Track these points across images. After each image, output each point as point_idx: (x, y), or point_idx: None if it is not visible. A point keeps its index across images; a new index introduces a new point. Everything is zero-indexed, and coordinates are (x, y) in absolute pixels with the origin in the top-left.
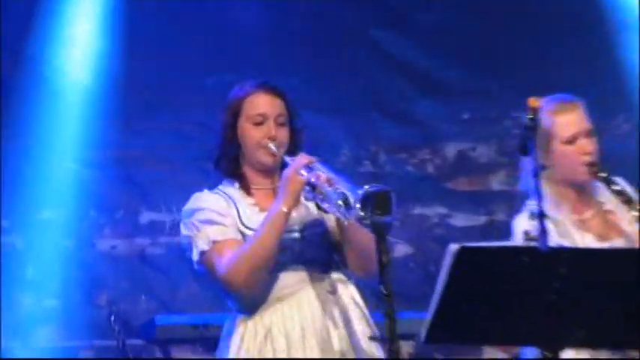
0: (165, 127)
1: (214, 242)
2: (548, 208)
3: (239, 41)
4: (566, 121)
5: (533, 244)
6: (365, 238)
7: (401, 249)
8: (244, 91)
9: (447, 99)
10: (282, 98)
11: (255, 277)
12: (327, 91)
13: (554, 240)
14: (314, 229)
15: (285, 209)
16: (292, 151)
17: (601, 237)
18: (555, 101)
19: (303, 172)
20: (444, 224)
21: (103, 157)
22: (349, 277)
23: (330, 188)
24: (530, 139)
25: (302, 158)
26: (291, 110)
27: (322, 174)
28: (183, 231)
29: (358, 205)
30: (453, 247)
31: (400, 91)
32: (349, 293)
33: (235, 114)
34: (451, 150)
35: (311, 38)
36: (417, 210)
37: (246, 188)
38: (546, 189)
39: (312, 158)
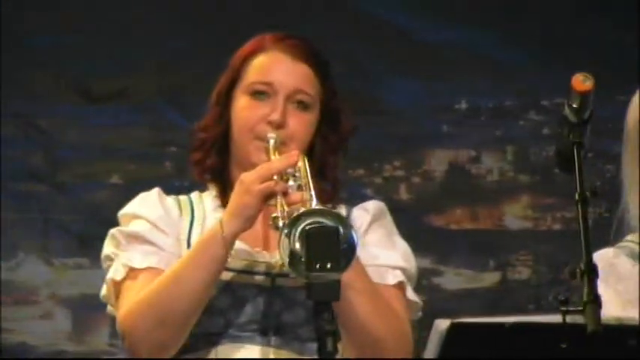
0: None
1: (131, 270)
2: None
3: None
4: None
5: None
6: (361, 308)
7: None
8: (253, 45)
9: (431, 77)
10: (312, 65)
11: (161, 337)
12: None
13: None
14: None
15: (225, 233)
16: (320, 157)
17: None
18: None
19: (275, 179)
20: (426, 286)
21: None
22: None
23: (294, 214)
24: (575, 144)
25: (283, 159)
26: (330, 87)
27: (293, 191)
28: (106, 246)
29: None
30: (441, 323)
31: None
32: None
33: (232, 80)
34: (439, 162)
35: None
36: None
37: (223, 197)
38: None
39: (300, 162)
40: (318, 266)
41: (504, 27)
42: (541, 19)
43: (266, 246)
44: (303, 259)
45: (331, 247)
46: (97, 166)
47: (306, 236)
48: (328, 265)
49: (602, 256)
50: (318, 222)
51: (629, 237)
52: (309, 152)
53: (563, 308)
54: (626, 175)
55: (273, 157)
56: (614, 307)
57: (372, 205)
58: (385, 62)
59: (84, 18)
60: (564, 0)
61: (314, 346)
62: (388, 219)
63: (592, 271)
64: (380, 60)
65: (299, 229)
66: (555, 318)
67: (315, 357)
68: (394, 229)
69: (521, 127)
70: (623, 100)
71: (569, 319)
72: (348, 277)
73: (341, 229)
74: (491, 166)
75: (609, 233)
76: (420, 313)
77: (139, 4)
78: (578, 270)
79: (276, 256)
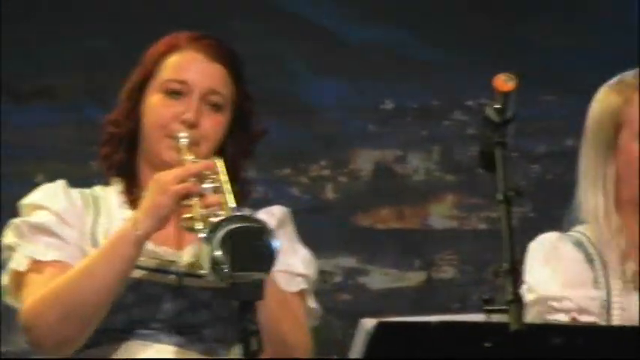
0: None
1: (35, 262)
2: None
3: None
4: None
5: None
6: (271, 313)
7: None
8: (168, 43)
9: (357, 77)
10: (227, 66)
11: (67, 332)
12: None
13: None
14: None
15: (138, 232)
16: (231, 159)
17: None
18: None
19: (190, 181)
20: (352, 285)
21: None
22: None
23: (211, 218)
24: (498, 143)
25: (201, 161)
26: (243, 89)
27: (210, 193)
28: (7, 235)
29: (213, 253)
30: (367, 323)
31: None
32: None
33: (145, 76)
34: (365, 162)
35: None
36: None
37: (129, 194)
38: (599, 218)
39: (217, 165)
40: (242, 266)
41: (429, 27)
42: (466, 19)
43: (176, 245)
44: (225, 263)
45: (255, 248)
46: (23, 165)
47: (231, 237)
48: (252, 265)
49: (546, 239)
50: (241, 226)
51: (577, 228)
52: (219, 153)
53: (488, 307)
54: (581, 169)
55: (185, 156)
56: (553, 286)
57: (278, 211)
58: (311, 62)
59: (10, 17)
60: (489, 1)
61: (219, 346)
62: (292, 225)
63: (516, 271)
64: (306, 60)
65: (221, 233)
66: (480, 317)
67: (220, 358)
68: (296, 236)
69: (446, 127)
70: (547, 100)
71: (493, 318)
72: None
73: (263, 232)
74: (417, 166)
75: (534, 233)
76: (317, 321)
77: (65, 3)
78: (502, 269)
79: (185, 256)
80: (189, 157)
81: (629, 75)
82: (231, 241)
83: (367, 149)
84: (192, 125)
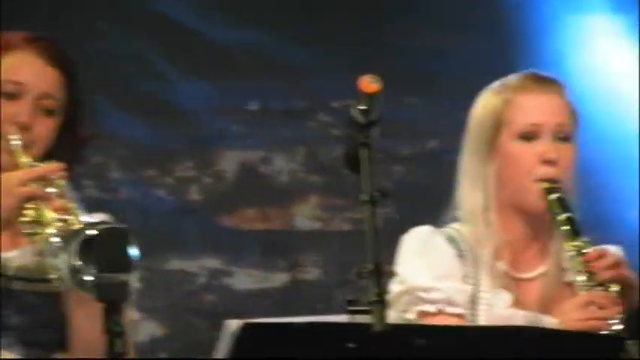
0: None
1: None
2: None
3: None
4: (530, 104)
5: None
6: (94, 321)
7: (145, 328)
8: (3, 43)
9: (222, 78)
10: (62, 70)
11: None
12: None
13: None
14: (49, 284)
15: None
16: (65, 160)
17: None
18: (522, 74)
19: (34, 185)
20: (217, 286)
21: None
22: None
23: (57, 222)
24: (363, 144)
25: (43, 166)
26: (75, 94)
27: (55, 198)
28: None
29: (71, 263)
30: (232, 324)
31: (145, 63)
32: None
33: None
34: (230, 162)
35: None
36: (173, 263)
37: None
38: (476, 216)
39: (62, 171)
40: (106, 268)
41: (294, 29)
42: (331, 21)
43: (5, 248)
44: (84, 271)
45: (115, 251)
46: None
47: (90, 243)
48: (116, 267)
49: (418, 232)
50: (98, 231)
51: (452, 225)
52: (47, 157)
53: (351, 308)
54: (461, 169)
55: (21, 159)
56: (423, 278)
57: (104, 218)
58: (175, 63)
59: None
60: (353, 3)
61: (41, 351)
62: None
63: (379, 271)
64: (170, 61)
65: (79, 240)
66: (344, 318)
67: (59, 358)
68: None
69: (311, 128)
70: (412, 102)
71: (356, 318)
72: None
73: (121, 235)
74: (282, 167)
75: (397, 234)
76: (134, 332)
77: None
78: (365, 270)
79: (14, 259)
80: (27, 160)
81: (511, 77)
82: (90, 247)
83: (232, 150)
84: (25, 128)
